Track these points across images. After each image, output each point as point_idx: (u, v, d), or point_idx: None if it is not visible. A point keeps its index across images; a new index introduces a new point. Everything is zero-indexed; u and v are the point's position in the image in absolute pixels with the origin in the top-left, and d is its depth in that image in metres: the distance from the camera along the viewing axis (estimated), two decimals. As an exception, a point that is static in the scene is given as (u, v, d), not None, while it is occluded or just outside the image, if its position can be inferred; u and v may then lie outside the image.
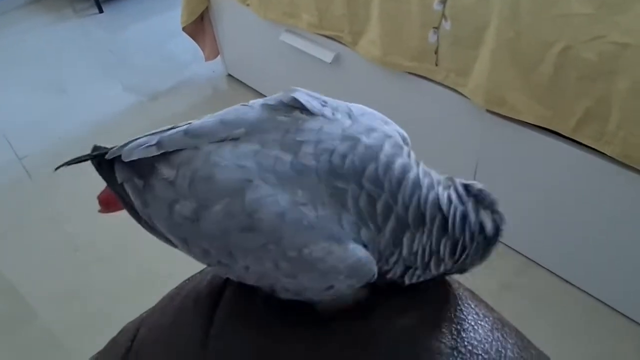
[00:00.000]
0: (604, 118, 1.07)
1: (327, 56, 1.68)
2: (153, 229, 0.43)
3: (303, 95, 0.38)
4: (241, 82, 2.36)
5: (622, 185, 1.13)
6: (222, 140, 0.37)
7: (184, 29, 2.16)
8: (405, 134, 0.40)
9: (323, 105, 0.38)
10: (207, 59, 2.34)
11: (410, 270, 0.38)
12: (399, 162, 0.35)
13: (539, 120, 1.18)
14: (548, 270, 1.42)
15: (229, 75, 2.42)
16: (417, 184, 0.35)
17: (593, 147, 1.12)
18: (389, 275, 0.38)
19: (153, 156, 0.40)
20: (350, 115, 0.38)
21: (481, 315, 0.44)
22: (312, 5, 1.60)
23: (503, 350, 0.40)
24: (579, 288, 1.37)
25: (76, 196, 1.92)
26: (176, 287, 0.54)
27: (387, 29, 1.40)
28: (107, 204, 0.50)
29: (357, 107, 0.39)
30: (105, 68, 2.69)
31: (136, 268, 1.62)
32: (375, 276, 0.37)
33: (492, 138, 1.34)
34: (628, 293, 1.28)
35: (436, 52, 1.32)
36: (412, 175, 0.35)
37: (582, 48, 1.04)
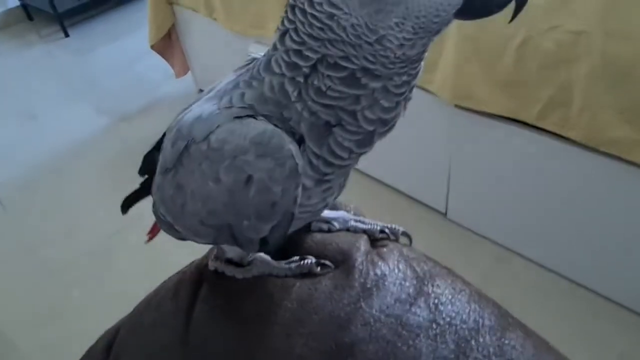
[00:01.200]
0: (567, 104, 1.10)
1: (297, 64, 1.70)
2: (165, 222, 0.47)
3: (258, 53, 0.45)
4: (213, 97, 2.36)
5: (588, 168, 1.16)
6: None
7: (152, 46, 2.16)
8: None
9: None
10: (177, 75, 2.34)
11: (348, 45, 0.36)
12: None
13: (504, 110, 1.22)
14: (526, 257, 1.45)
15: (200, 90, 2.42)
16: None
17: (558, 132, 1.16)
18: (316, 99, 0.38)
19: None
20: None
21: (457, 289, 0.45)
22: (277, 14, 1.62)
23: (481, 320, 0.41)
24: (556, 272, 1.40)
25: (49, 220, 1.89)
26: (153, 291, 0.54)
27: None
28: (153, 231, 0.56)
29: None
30: (75, 92, 2.66)
31: (116, 289, 1.59)
32: (298, 161, 0.37)
33: (461, 132, 1.37)
34: (598, 271, 1.31)
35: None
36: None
37: (541, 38, 1.07)
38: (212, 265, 0.49)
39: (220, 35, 1.92)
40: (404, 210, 1.64)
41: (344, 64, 0.35)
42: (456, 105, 1.31)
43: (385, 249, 0.49)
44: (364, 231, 0.51)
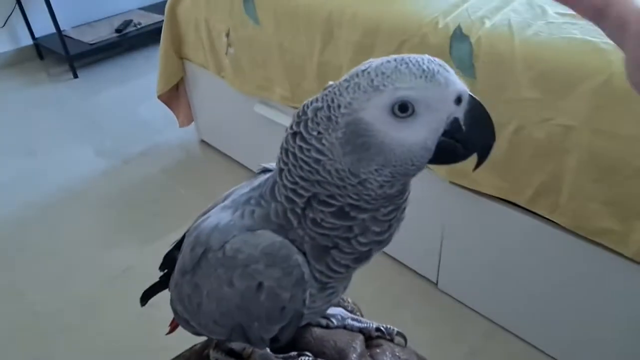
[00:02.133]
0: (557, 192, 1.15)
1: (299, 127, 1.75)
2: (182, 319, 0.50)
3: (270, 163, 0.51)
4: (214, 148, 2.41)
5: (577, 253, 1.20)
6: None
7: (159, 97, 2.22)
8: None
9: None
10: (181, 125, 2.39)
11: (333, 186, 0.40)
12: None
13: (497, 191, 1.26)
14: (514, 334, 1.46)
15: (202, 141, 2.47)
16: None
17: (547, 217, 1.20)
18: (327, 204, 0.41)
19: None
20: None
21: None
22: (284, 80, 1.69)
23: None
24: (543, 352, 1.40)
25: (41, 262, 1.88)
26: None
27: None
28: (172, 326, 0.60)
29: None
30: (77, 132, 2.70)
31: (104, 340, 1.57)
32: (305, 270, 0.41)
33: (456, 207, 1.42)
34: (582, 352, 1.32)
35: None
36: None
37: (533, 128, 1.14)
38: (213, 355, 0.51)
39: (226, 92, 1.99)
40: (396, 277, 1.66)
41: (331, 201, 0.40)
42: (451, 182, 1.36)
43: (378, 350, 0.51)
44: (360, 330, 0.53)
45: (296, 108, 1.81)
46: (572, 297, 1.27)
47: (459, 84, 0.37)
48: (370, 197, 0.39)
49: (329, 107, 0.38)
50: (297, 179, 0.40)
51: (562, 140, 1.10)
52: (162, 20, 2.09)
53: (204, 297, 0.45)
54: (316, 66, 1.55)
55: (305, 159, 0.39)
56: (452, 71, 0.37)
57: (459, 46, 1.20)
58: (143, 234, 1.93)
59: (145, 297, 0.57)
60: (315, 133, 0.38)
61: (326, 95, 0.39)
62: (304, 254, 0.42)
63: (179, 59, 2.16)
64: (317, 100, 0.39)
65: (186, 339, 0.61)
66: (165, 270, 0.54)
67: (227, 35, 1.83)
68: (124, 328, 1.58)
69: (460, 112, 0.37)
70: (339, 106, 0.37)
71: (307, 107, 0.40)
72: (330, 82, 0.41)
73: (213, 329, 0.47)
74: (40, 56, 3.46)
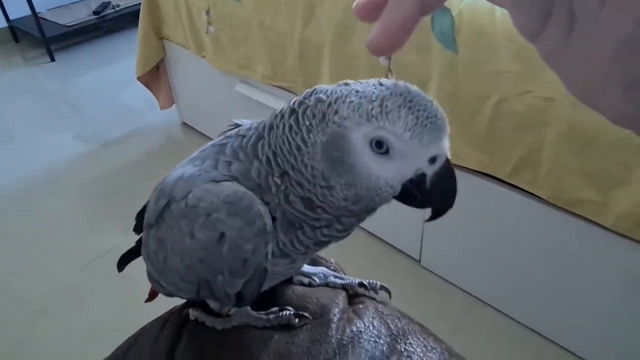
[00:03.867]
0: (536, 165, 1.17)
1: (281, 105, 1.74)
2: (152, 279, 0.49)
3: (242, 120, 0.51)
4: (196, 130, 2.38)
5: (557, 225, 1.22)
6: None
7: (139, 78, 2.18)
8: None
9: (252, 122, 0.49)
10: (162, 107, 2.36)
11: (301, 187, 0.40)
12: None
13: (479, 166, 1.27)
14: (495, 309, 1.48)
15: (184, 123, 2.44)
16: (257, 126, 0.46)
17: (528, 190, 1.22)
18: (294, 206, 0.41)
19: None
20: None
21: (429, 347, 0.48)
22: (265, 58, 1.68)
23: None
24: (523, 325, 1.43)
25: (22, 248, 1.84)
26: (132, 336, 0.55)
27: (338, 81, 1.48)
28: (152, 295, 0.58)
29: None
30: (56, 117, 2.65)
31: (87, 322, 1.55)
32: (267, 221, 0.41)
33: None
34: (563, 324, 1.35)
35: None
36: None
37: (514, 101, 1.14)
38: (192, 314, 0.50)
39: (207, 72, 1.97)
40: (379, 256, 1.67)
41: (300, 189, 0.39)
42: (433, 157, 1.37)
43: (361, 306, 0.51)
44: (343, 286, 0.53)
45: (278, 87, 1.78)
46: (552, 269, 1.29)
47: (442, 147, 0.38)
48: (333, 205, 0.40)
49: (329, 105, 0.38)
50: (278, 150, 0.40)
51: (542, 113, 1.11)
52: (141, 2, 2.05)
53: (168, 251, 0.44)
54: (297, 44, 1.53)
55: (291, 140, 0.39)
56: (445, 129, 0.38)
57: (440, 19, 1.20)
58: (125, 217, 1.89)
59: (122, 263, 0.56)
60: (307, 123, 0.39)
61: (336, 92, 0.39)
62: (274, 219, 0.42)
63: (158, 39, 2.12)
64: (326, 91, 0.39)
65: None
66: (141, 235, 0.52)
67: (208, 13, 1.80)
68: (107, 310, 1.56)
69: (429, 170, 0.38)
70: (336, 112, 0.38)
71: (315, 93, 0.40)
72: (348, 81, 0.40)
73: (181, 287, 0.46)
74: (16, 39, 3.37)
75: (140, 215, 0.52)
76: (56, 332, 1.54)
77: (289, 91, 1.71)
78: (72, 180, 2.18)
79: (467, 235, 1.43)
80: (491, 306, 1.49)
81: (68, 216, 1.99)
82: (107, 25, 3.28)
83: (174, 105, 2.38)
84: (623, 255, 1.13)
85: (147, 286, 0.56)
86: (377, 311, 0.51)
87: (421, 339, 0.49)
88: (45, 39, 3.01)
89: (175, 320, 0.51)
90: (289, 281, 0.53)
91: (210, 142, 0.48)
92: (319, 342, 0.45)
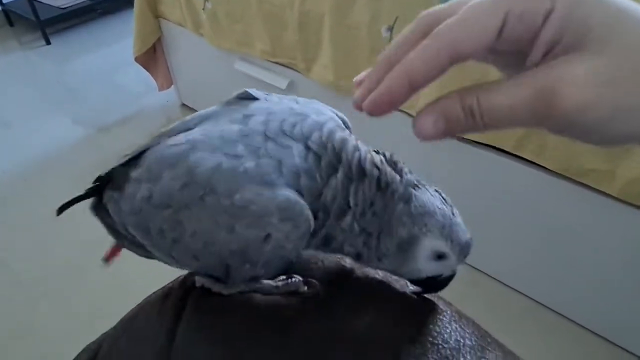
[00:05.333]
0: (542, 134, 1.15)
1: (282, 83, 1.72)
2: (132, 242, 0.45)
3: (253, 90, 0.45)
4: (195, 110, 2.34)
5: (563, 196, 1.20)
6: (180, 132, 0.43)
7: (136, 59, 2.15)
8: (346, 119, 0.47)
9: (269, 95, 0.45)
10: (160, 88, 2.33)
11: (366, 248, 0.43)
12: (339, 134, 0.41)
13: (483, 138, 1.25)
14: (498, 280, 1.48)
15: (183, 104, 2.42)
16: (356, 147, 0.41)
17: (534, 161, 1.20)
18: (346, 249, 0.43)
19: (126, 166, 0.44)
20: (297, 101, 0.44)
21: (439, 310, 0.47)
22: (264, 34, 1.64)
23: (462, 340, 0.42)
24: (527, 296, 1.43)
25: (22, 232, 1.84)
26: (137, 305, 0.53)
27: (339, 55, 1.45)
28: (112, 254, 0.54)
29: (303, 98, 0.46)
30: (53, 101, 2.62)
31: (87, 304, 1.55)
32: (312, 224, 0.40)
33: (441, 156, 1.41)
34: (569, 295, 1.34)
35: (386, 77, 1.39)
36: (351, 142, 0.41)
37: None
38: (199, 281, 0.49)
39: (206, 50, 1.94)
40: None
41: (359, 244, 0.43)
42: (437, 130, 1.35)
43: (368, 268, 0.50)
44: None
45: (277, 63, 1.75)
46: (560, 241, 1.28)
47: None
48: (372, 262, 0.44)
49: (421, 215, 0.42)
50: (371, 211, 0.42)
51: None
52: (136, -22, 2.01)
53: (186, 234, 0.41)
54: (297, 15, 1.50)
55: (387, 219, 0.42)
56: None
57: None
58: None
59: (64, 209, 0.52)
60: (404, 220, 0.42)
61: (424, 202, 0.43)
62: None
63: (155, 17, 2.08)
64: (401, 173, 0.44)
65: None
66: (98, 184, 0.48)
67: (204, -12, 1.76)
68: (107, 291, 1.56)
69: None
70: (425, 225, 0.42)
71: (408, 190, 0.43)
72: (420, 181, 0.45)
73: (188, 263, 0.44)
74: (10, 23, 3.32)
75: (117, 171, 0.47)
76: (58, 314, 1.54)
77: (289, 67, 1.68)
78: (71, 164, 2.17)
79: (472, 208, 1.41)
80: (494, 278, 1.48)
81: (66, 200, 1.98)
82: (103, 6, 3.23)
83: (173, 86, 2.35)
84: (631, 224, 1.12)
85: (147, 265, 0.54)
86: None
87: (429, 302, 0.48)
88: (40, 22, 2.97)
89: (179, 288, 0.50)
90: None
91: (219, 110, 0.45)
92: (329, 308, 0.44)
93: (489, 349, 0.42)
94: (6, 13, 3.27)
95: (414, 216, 0.42)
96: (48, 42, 3.07)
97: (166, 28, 2.11)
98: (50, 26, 3.08)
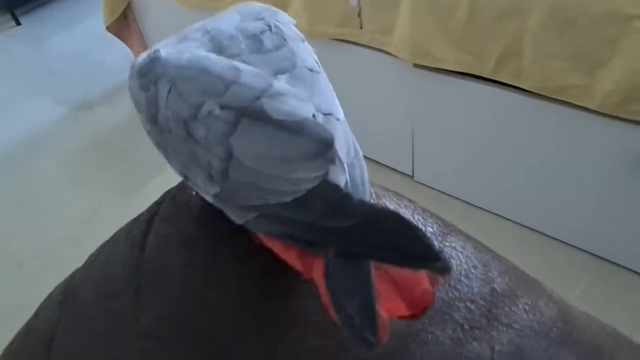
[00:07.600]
0: (520, 55, 1.13)
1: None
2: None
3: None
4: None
5: (545, 118, 1.20)
6: None
7: (107, 28, 2.10)
8: None
9: None
10: (137, 58, 2.28)
11: None
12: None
13: (461, 66, 1.24)
14: (490, 212, 1.49)
15: (163, 72, 2.38)
16: None
17: (513, 84, 1.19)
18: None
19: None
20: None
21: (402, 205, 0.47)
22: (233, -14, 1.60)
23: (424, 227, 0.43)
24: (518, 223, 1.44)
25: (14, 212, 1.85)
26: (114, 233, 0.54)
27: (310, 0, 1.42)
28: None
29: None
30: (32, 82, 2.58)
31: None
32: None
33: (421, 92, 1.39)
34: (558, 217, 1.35)
35: (359, 15, 1.35)
36: None
37: (491, -10, 1.09)
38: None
39: (177, 12, 1.89)
40: (373, 175, 1.63)
41: None
42: (415, 65, 1.33)
43: None
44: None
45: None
46: (544, 163, 1.28)
47: None
48: None
49: None
50: None
51: (522, -1, 1.06)
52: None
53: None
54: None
55: None
56: None
57: None
58: (112, 175, 1.89)
59: None
60: None
61: None
62: None
63: (121, -17, 2.03)
64: None
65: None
66: None
67: (166, -55, 1.71)
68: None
69: None
70: None
71: None
72: None
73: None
74: (-23, 7, 3.23)
75: None
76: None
77: (262, 18, 1.64)
78: (55, 143, 2.15)
79: (457, 141, 1.41)
80: (485, 209, 1.49)
81: (55, 179, 1.98)
82: (70, -19, 3.14)
83: (150, 54, 2.30)
84: (610, 136, 1.12)
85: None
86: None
87: (394, 199, 0.48)
88: (8, 3, 2.89)
89: (151, 206, 0.49)
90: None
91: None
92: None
93: (451, 234, 0.43)
94: (-28, -3, 3.18)
95: None
96: (18, 23, 3.00)
97: (134, -7, 2.06)
98: (19, 7, 3.00)
